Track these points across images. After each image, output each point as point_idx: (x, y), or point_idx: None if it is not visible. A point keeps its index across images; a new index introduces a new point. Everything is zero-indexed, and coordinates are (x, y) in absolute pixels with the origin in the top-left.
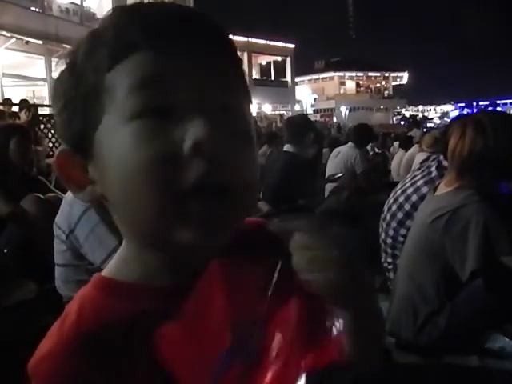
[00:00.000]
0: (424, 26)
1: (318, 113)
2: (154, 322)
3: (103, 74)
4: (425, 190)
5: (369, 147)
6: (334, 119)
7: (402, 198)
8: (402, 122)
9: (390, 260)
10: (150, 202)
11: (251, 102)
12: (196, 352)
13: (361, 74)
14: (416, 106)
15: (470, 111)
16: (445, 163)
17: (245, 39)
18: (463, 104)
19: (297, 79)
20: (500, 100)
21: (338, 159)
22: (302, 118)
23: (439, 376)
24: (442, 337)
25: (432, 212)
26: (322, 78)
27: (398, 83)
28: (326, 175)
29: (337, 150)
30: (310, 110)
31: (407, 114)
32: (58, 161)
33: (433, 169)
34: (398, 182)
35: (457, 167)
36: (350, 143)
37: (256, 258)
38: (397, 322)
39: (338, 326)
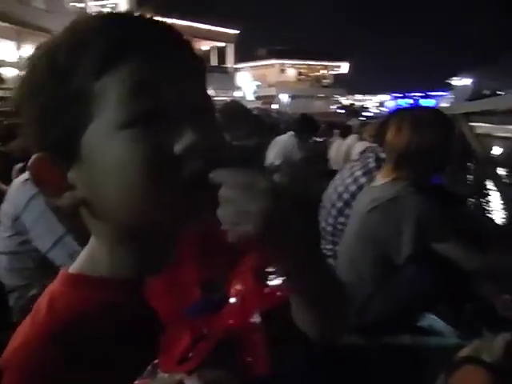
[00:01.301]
0: (365, 17)
1: (259, 100)
2: (122, 311)
3: (90, 81)
4: (363, 180)
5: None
6: (276, 106)
7: (341, 188)
8: (341, 111)
9: (329, 247)
10: (146, 198)
11: None
12: (173, 301)
13: (302, 62)
14: (354, 94)
15: (404, 102)
16: (382, 155)
17: (187, 24)
18: (398, 94)
19: (239, 66)
20: (431, 92)
21: (277, 148)
22: (236, 104)
23: (377, 354)
24: (378, 318)
25: (370, 202)
26: (264, 66)
27: (337, 72)
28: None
29: (277, 138)
30: (251, 97)
31: (346, 103)
32: (34, 167)
33: (370, 160)
34: (336, 171)
35: (394, 160)
36: (290, 132)
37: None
38: None
39: (280, 275)
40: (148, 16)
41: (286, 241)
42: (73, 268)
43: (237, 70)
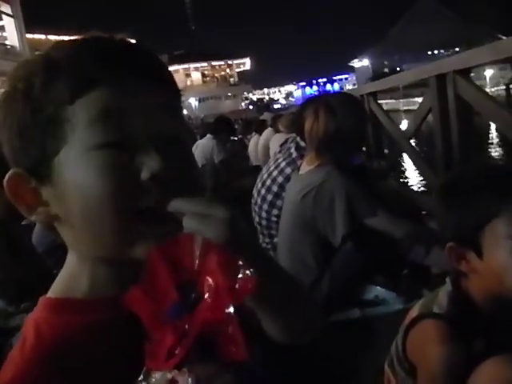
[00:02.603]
0: (259, 12)
1: None
2: (109, 328)
3: (63, 106)
4: (288, 170)
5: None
6: (185, 112)
7: (269, 181)
8: (251, 107)
9: (267, 240)
10: (111, 224)
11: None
12: (153, 306)
13: (205, 64)
14: (261, 89)
15: (310, 89)
16: (302, 144)
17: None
18: (304, 83)
19: None
20: (336, 76)
21: (197, 152)
22: None
23: (328, 333)
24: (326, 299)
25: (300, 190)
26: None
27: (241, 69)
28: None
29: (197, 142)
30: None
31: (254, 98)
32: (10, 183)
33: (292, 150)
34: (258, 166)
35: (315, 147)
36: (208, 135)
37: (185, 235)
38: None
39: (247, 269)
40: (123, 40)
41: (246, 259)
42: (53, 292)
43: None
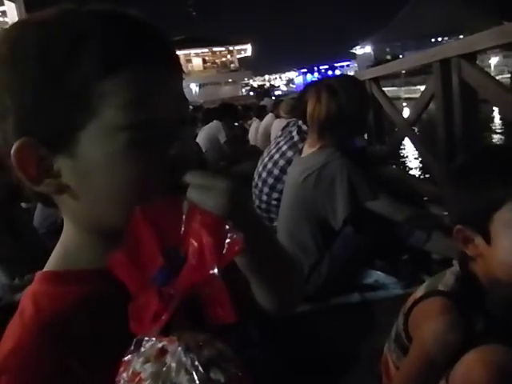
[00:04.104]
0: None
1: None
2: (106, 299)
3: (94, 80)
4: (290, 154)
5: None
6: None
7: (270, 165)
8: (251, 93)
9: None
10: (133, 198)
11: None
12: (138, 271)
13: (206, 49)
14: (262, 75)
15: (312, 76)
16: (304, 127)
17: None
18: (305, 70)
19: None
20: (338, 63)
21: (202, 136)
22: None
23: (328, 317)
24: (326, 283)
25: (301, 172)
26: None
27: (242, 56)
28: None
29: (203, 127)
30: None
31: (255, 85)
32: (19, 152)
33: (294, 134)
34: (258, 149)
35: (317, 129)
36: (214, 121)
37: (172, 200)
38: None
39: (235, 232)
40: (145, 19)
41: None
42: (49, 266)
43: None
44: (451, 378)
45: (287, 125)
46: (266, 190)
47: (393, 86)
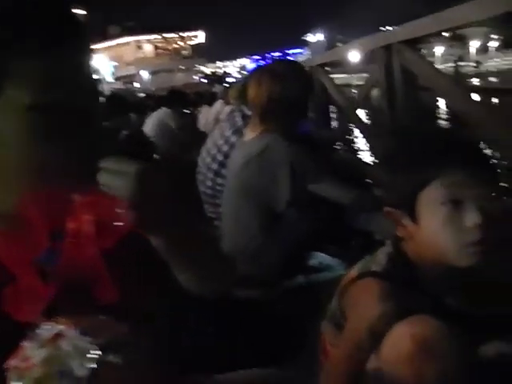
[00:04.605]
0: None
1: (119, 80)
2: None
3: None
4: (233, 139)
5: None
6: (137, 85)
7: (214, 150)
8: (205, 80)
9: (212, 210)
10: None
11: None
12: (21, 252)
13: (158, 36)
14: (215, 62)
15: (265, 63)
16: (248, 112)
17: None
18: (259, 57)
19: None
20: (290, 50)
21: (152, 123)
22: None
23: (274, 300)
24: (271, 266)
25: (243, 157)
26: (119, 44)
27: (195, 42)
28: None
29: (152, 114)
30: (110, 79)
31: (208, 72)
32: None
33: (238, 119)
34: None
35: (259, 114)
36: (163, 108)
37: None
38: None
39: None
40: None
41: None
42: None
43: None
44: (381, 350)
45: (232, 111)
46: (210, 175)
47: (344, 73)
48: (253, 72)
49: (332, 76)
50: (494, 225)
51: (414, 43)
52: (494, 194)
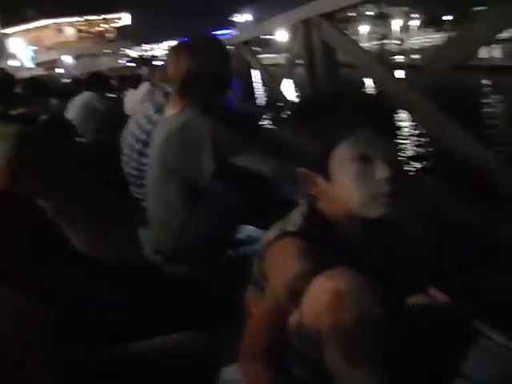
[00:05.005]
0: None
1: (40, 66)
2: None
3: None
4: (155, 117)
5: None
6: (61, 70)
7: (137, 131)
8: (132, 64)
9: (138, 190)
10: None
11: None
12: None
13: (80, 18)
14: (141, 45)
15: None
16: (169, 90)
17: None
18: (186, 39)
19: (6, 31)
20: (218, 31)
21: (75, 107)
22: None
23: (203, 276)
24: (198, 242)
25: (165, 133)
26: (37, 28)
27: (119, 25)
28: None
29: (75, 98)
30: (30, 64)
31: (135, 55)
32: None
33: (159, 97)
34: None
35: (178, 90)
36: (85, 92)
37: None
38: (159, 241)
39: None
40: None
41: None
42: None
43: (5, 36)
44: (302, 304)
45: (153, 89)
46: (134, 156)
47: (273, 53)
48: (171, 48)
49: (261, 56)
50: (401, 178)
51: (333, 17)
52: (398, 149)
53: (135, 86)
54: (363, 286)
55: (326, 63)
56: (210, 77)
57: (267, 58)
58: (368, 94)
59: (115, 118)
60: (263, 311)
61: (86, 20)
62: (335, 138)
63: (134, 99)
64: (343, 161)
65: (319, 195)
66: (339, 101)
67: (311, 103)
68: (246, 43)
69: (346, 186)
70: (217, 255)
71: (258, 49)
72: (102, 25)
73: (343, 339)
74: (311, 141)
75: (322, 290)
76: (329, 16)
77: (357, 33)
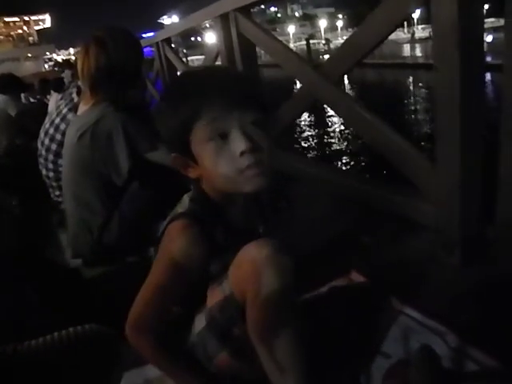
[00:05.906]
0: None
1: None
2: None
3: None
4: (70, 116)
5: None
6: None
7: (52, 131)
8: (57, 68)
9: (58, 193)
10: None
11: None
12: None
13: None
14: (66, 49)
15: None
16: (82, 86)
17: None
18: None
19: None
20: (146, 33)
21: None
22: None
23: (125, 275)
24: (118, 242)
25: (76, 131)
26: None
27: (41, 27)
28: None
29: None
30: None
31: (59, 59)
32: None
33: (74, 95)
34: None
35: (89, 85)
36: None
37: None
38: (78, 244)
39: None
40: None
41: None
42: None
43: None
44: (228, 276)
45: (68, 88)
46: (50, 157)
47: (202, 55)
48: (81, 44)
49: (192, 58)
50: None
51: (247, 9)
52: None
53: (58, 90)
54: (284, 257)
55: (244, 57)
56: (119, 69)
57: (197, 59)
58: (224, 68)
59: (32, 121)
60: (151, 286)
61: (4, 22)
62: (192, 119)
63: (57, 103)
64: (202, 141)
65: (197, 177)
66: (193, 77)
67: (172, 84)
68: (166, 39)
69: (209, 166)
70: (138, 252)
71: (186, 51)
72: (22, 27)
73: (260, 308)
74: (170, 127)
75: (245, 259)
76: (243, 10)
77: (286, 33)
